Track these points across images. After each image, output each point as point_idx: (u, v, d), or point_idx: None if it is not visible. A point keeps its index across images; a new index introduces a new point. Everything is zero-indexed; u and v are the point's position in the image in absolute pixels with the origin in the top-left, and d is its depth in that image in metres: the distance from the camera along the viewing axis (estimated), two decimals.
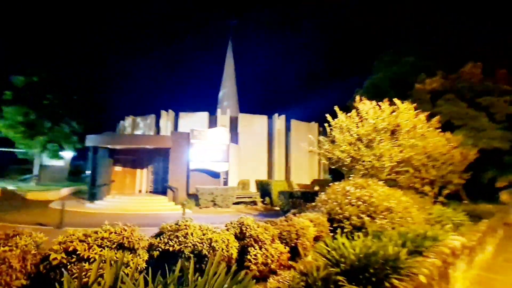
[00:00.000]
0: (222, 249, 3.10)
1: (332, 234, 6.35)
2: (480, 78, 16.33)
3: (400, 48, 20.13)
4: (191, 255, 2.92)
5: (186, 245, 3.05)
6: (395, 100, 9.08)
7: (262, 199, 17.87)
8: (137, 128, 24.42)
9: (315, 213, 6.58)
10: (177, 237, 3.15)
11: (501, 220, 11.27)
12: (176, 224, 3.32)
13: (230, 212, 15.52)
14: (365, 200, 6.49)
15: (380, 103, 9.16)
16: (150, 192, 19.23)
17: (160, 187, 18.75)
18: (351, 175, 8.85)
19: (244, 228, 3.66)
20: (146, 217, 12.77)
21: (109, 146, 16.87)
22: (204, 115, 22.47)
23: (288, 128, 23.56)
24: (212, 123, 21.87)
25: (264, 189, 18.19)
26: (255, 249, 3.43)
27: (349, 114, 9.17)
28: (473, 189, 16.72)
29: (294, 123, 23.74)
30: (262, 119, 23.08)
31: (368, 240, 4.21)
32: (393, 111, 9.02)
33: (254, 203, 17.72)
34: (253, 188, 19.47)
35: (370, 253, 3.67)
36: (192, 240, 3.08)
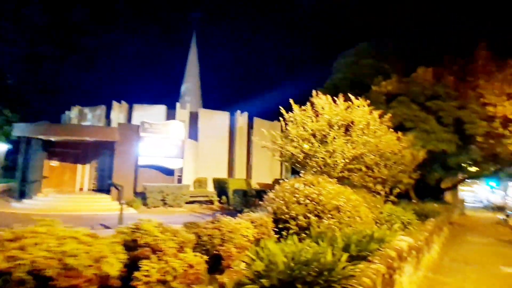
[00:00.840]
0: (88, 265, 2.19)
1: (278, 236, 5.76)
2: (431, 83, 17.08)
3: (360, 49, 20.51)
4: (28, 278, 2.00)
5: (20, 262, 2.10)
6: (350, 95, 8.82)
7: (219, 198, 16.97)
8: (84, 119, 21.88)
9: (259, 213, 5.91)
10: (8, 250, 2.17)
11: (446, 219, 11.66)
12: (22, 230, 2.34)
13: (182, 212, 14.45)
14: (313, 198, 5.96)
15: (335, 98, 8.85)
16: (94, 190, 17.27)
17: (105, 185, 16.91)
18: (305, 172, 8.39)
19: (138, 235, 2.79)
20: (80, 218, 11.16)
21: (42, 137, 14.72)
22: (161, 109, 20.84)
23: (250, 126, 22.87)
24: (171, 117, 20.33)
25: (221, 187, 17.30)
26: (151, 262, 2.58)
27: (303, 107, 8.72)
28: (421, 189, 17.50)
29: (257, 121, 23.10)
30: (224, 116, 22.11)
31: (305, 244, 3.58)
32: (348, 107, 8.75)
33: (211, 202, 16.77)
34: (211, 187, 18.47)
35: (303, 261, 3.01)
36: (32, 253, 2.14)
